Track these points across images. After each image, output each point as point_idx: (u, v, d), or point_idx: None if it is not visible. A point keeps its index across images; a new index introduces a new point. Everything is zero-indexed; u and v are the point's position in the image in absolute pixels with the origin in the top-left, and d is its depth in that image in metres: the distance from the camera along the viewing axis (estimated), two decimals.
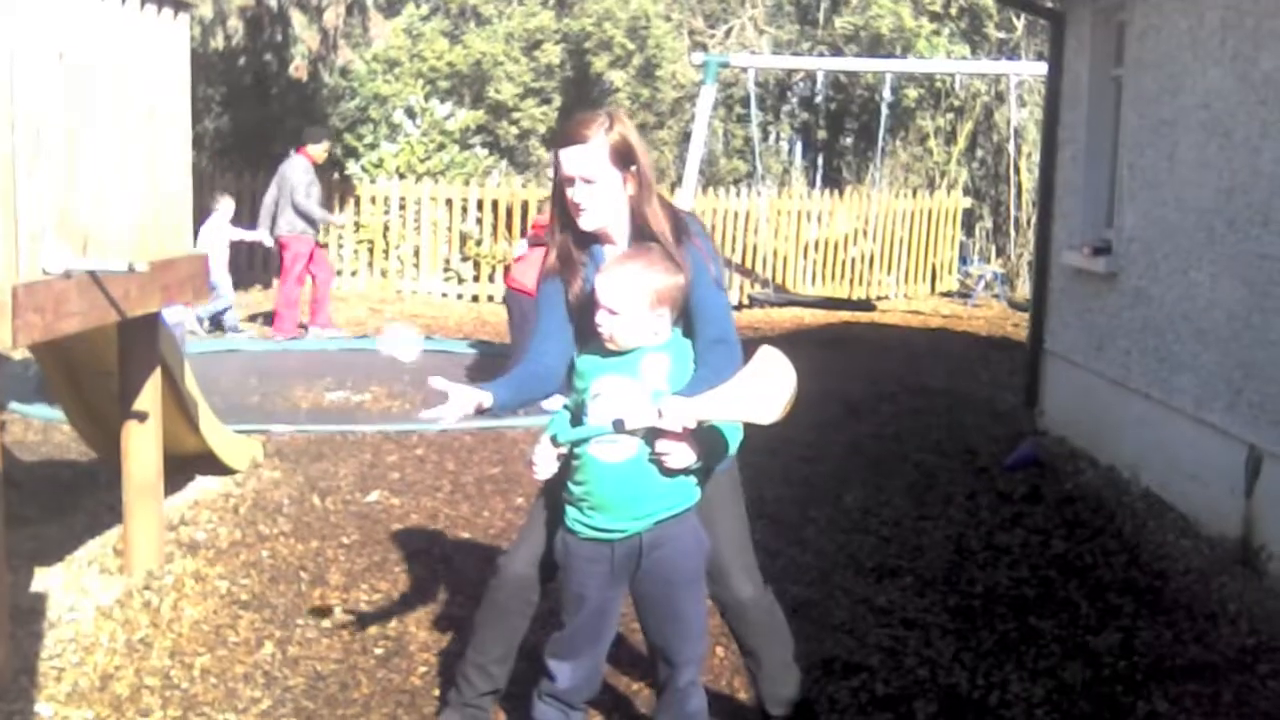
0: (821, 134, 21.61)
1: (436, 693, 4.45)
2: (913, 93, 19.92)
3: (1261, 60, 6.10)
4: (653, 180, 3.73)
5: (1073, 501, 7.16)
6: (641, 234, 3.69)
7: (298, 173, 12.43)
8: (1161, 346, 7.13)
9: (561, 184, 3.67)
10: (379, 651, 4.82)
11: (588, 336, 3.63)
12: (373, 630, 5.01)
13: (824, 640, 5.04)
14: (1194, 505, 6.62)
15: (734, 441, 3.59)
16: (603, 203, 3.65)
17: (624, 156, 3.64)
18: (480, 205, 15.97)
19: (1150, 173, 7.41)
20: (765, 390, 3.42)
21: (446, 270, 16.04)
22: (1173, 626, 5.30)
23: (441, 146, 16.90)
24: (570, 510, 3.60)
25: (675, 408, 3.38)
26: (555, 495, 3.77)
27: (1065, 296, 8.82)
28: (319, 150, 12.79)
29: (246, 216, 15.90)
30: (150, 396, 5.43)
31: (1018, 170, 17.15)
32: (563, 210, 3.72)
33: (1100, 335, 8.08)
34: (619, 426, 3.40)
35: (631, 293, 3.47)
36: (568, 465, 3.60)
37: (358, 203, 16.07)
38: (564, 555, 3.65)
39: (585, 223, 3.67)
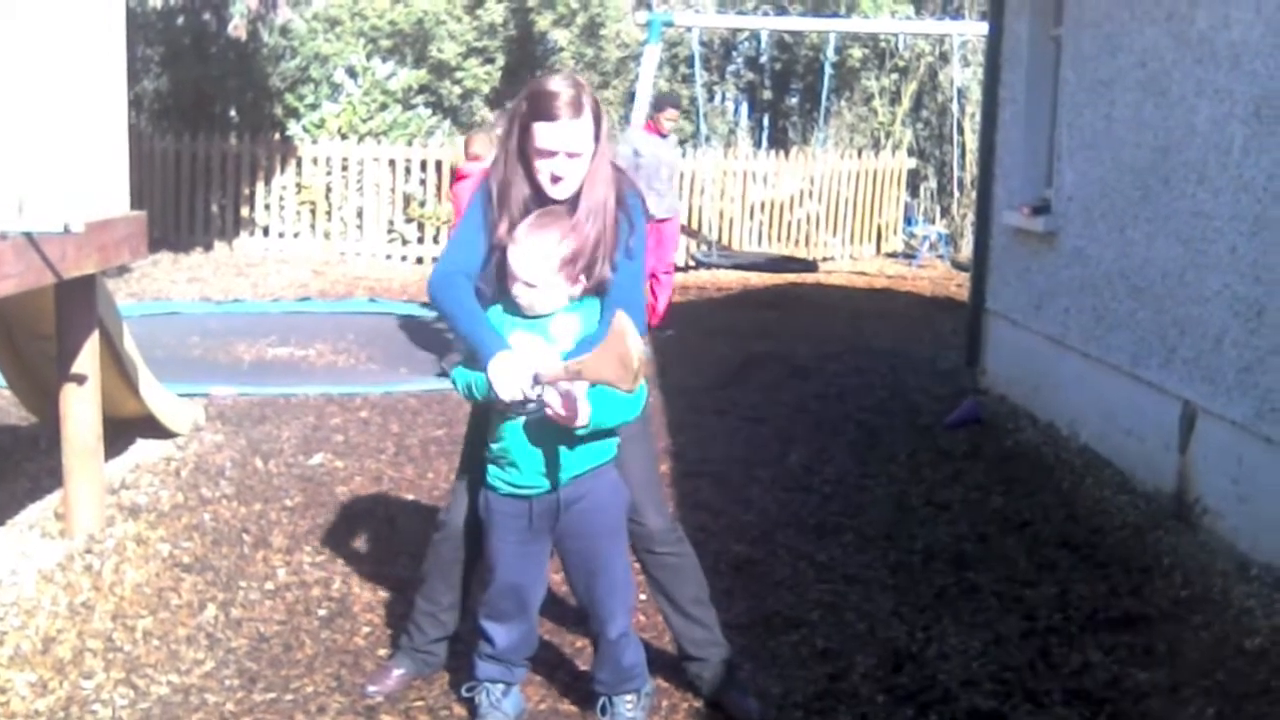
0: (767, 94, 21.61)
1: (381, 653, 4.47)
2: (857, 53, 19.95)
3: (1197, 19, 6.16)
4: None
5: (1012, 458, 7.25)
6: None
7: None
8: (1099, 305, 7.21)
9: (531, 152, 3.64)
10: (322, 613, 4.83)
11: (504, 290, 3.67)
12: (316, 592, 5.02)
13: (765, 596, 5.10)
14: (1130, 461, 6.73)
15: (633, 404, 3.60)
16: (581, 173, 3.67)
17: (600, 127, 3.67)
18: (424, 166, 15.87)
19: (1088, 132, 7.48)
20: (623, 355, 3.39)
21: (390, 232, 15.94)
22: (1108, 580, 5.39)
23: (384, 106, 16.76)
24: (491, 468, 3.71)
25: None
26: (476, 453, 3.85)
27: (1005, 256, 8.90)
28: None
29: (190, 179, 15.77)
30: (89, 359, 5.39)
31: (962, 131, 17.24)
32: (527, 174, 3.69)
33: (1039, 294, 8.16)
34: (536, 380, 3.45)
35: (546, 265, 3.53)
36: (489, 425, 3.65)
37: (299, 164, 15.93)
38: (486, 512, 3.77)
39: (560, 193, 3.67)
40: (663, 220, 10.85)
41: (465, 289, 3.65)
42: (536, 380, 3.44)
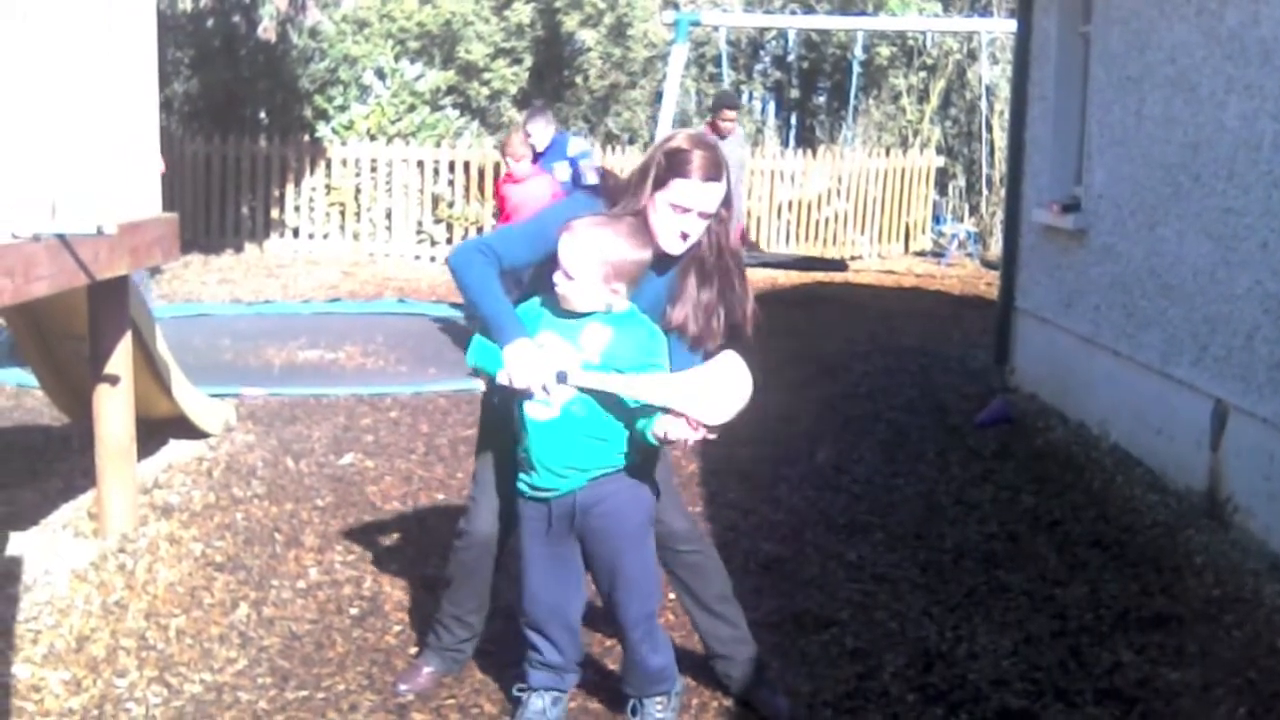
0: (794, 93, 21.58)
1: (412, 651, 4.50)
2: (885, 51, 19.90)
3: (1227, 15, 6.13)
4: None
5: (1042, 457, 7.23)
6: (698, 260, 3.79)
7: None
8: (1129, 302, 7.18)
9: (660, 205, 3.67)
10: (354, 611, 4.86)
11: (550, 284, 3.67)
12: (348, 591, 5.05)
13: (795, 595, 5.10)
14: (1161, 459, 6.70)
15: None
16: (700, 232, 3.72)
17: (728, 189, 3.74)
18: (452, 167, 15.91)
19: (1117, 129, 7.44)
20: (720, 395, 3.51)
21: (419, 233, 15.99)
22: (1139, 579, 5.37)
23: (412, 108, 16.81)
24: (520, 474, 3.72)
25: (632, 386, 3.49)
26: (495, 455, 3.91)
27: (1035, 254, 8.87)
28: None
29: (220, 181, 15.85)
30: (121, 360, 5.43)
31: (990, 128, 17.17)
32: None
33: (1069, 292, 8.13)
34: (561, 378, 3.48)
35: (591, 261, 3.52)
36: (518, 429, 3.68)
37: (329, 165, 16.00)
38: (519, 517, 3.79)
39: (679, 249, 3.72)
40: None
41: (491, 271, 3.65)
42: (562, 379, 3.47)
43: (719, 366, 3.59)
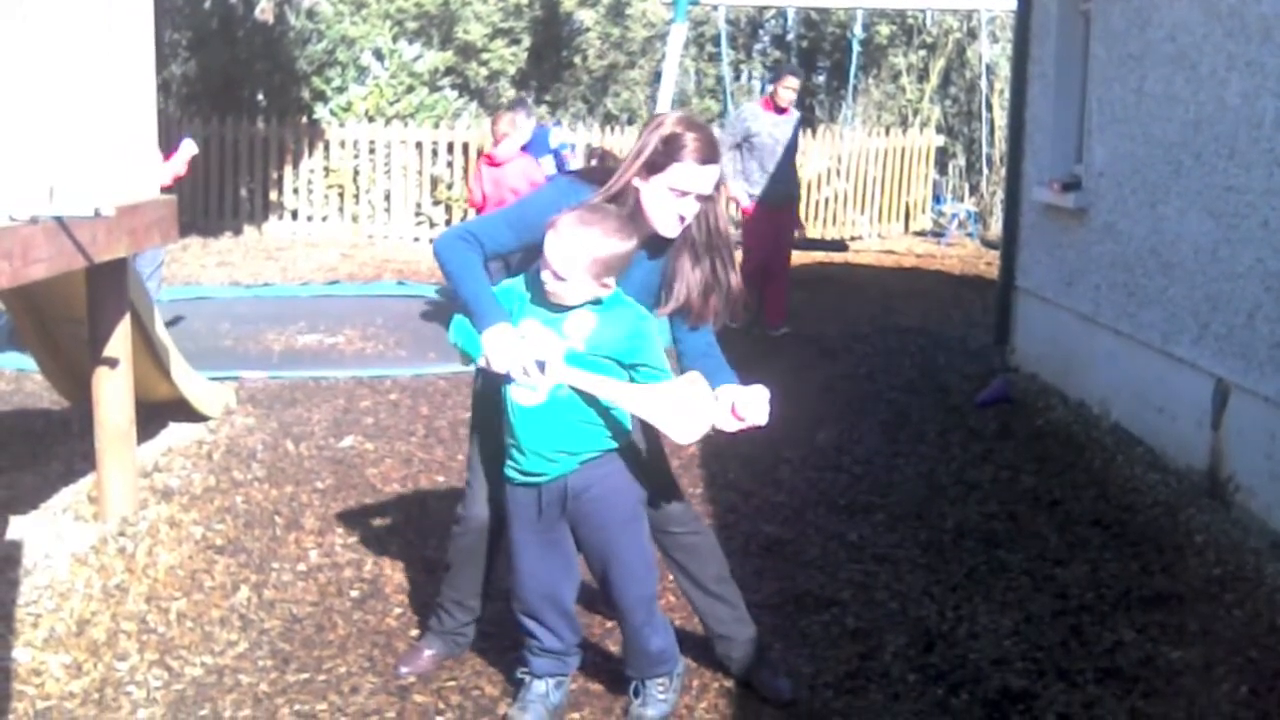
0: None
1: (413, 633, 4.50)
2: (885, 29, 19.85)
3: None
4: None
5: (1043, 437, 7.22)
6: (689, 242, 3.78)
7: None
8: (1130, 281, 7.17)
9: (658, 190, 3.66)
10: (354, 594, 4.85)
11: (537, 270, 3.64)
12: (348, 573, 5.05)
13: (796, 576, 5.10)
14: (1162, 439, 6.69)
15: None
16: (693, 216, 3.71)
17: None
18: (450, 148, 15.88)
19: (1118, 107, 7.42)
20: (684, 415, 3.53)
21: (418, 214, 15.97)
22: (1140, 558, 5.36)
23: (410, 89, 16.77)
24: (507, 460, 3.70)
25: (605, 387, 3.52)
26: (488, 441, 3.89)
27: (1036, 233, 8.85)
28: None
29: (218, 163, 15.81)
30: (121, 343, 5.42)
31: (990, 107, 17.12)
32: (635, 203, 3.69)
33: (1070, 271, 8.11)
34: (541, 367, 3.48)
35: (581, 261, 3.48)
36: (504, 415, 3.67)
37: (327, 147, 15.97)
38: (506, 503, 3.77)
39: (675, 232, 3.71)
40: (778, 209, 10.12)
41: (473, 256, 3.64)
42: (542, 368, 3.47)
43: (682, 388, 3.56)
